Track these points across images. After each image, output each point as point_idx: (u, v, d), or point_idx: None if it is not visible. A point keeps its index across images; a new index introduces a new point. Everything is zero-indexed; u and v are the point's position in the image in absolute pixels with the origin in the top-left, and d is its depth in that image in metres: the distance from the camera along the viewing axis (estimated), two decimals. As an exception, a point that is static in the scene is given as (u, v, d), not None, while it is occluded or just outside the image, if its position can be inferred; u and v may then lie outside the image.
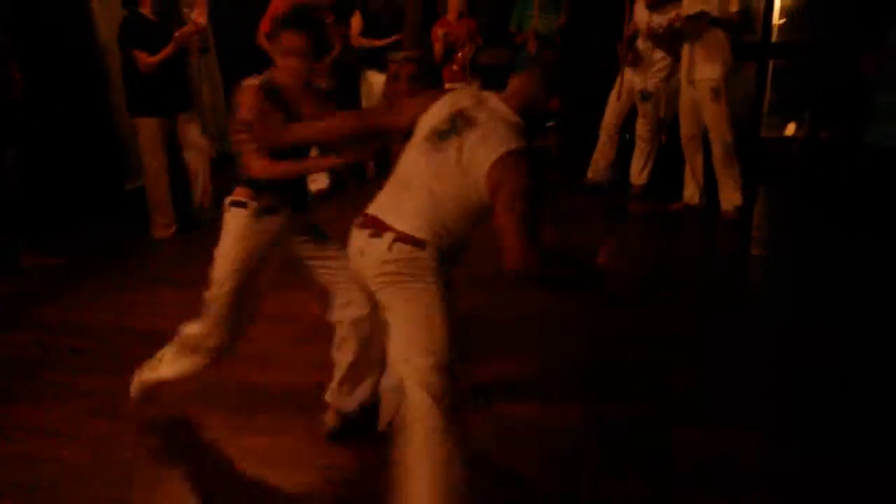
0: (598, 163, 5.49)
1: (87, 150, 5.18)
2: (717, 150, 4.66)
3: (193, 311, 2.34)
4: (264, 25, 5.12)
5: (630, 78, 5.15)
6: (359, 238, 1.88)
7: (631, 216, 5.12)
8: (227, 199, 2.25)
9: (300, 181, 2.36)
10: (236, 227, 2.23)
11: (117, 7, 5.18)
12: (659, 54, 4.98)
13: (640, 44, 5.04)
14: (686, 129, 4.79)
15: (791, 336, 3.16)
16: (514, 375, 2.86)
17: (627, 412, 2.56)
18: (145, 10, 4.40)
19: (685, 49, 4.59)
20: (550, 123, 5.54)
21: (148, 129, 4.50)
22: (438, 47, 5.62)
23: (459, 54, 5.58)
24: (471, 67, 5.59)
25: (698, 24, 4.37)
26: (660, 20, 4.86)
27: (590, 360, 2.98)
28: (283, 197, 2.26)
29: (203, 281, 2.29)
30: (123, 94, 5.12)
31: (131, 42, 4.36)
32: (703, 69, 4.51)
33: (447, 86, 5.74)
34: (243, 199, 2.23)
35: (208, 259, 2.29)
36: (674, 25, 4.51)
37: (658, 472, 2.24)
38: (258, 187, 2.22)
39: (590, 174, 5.54)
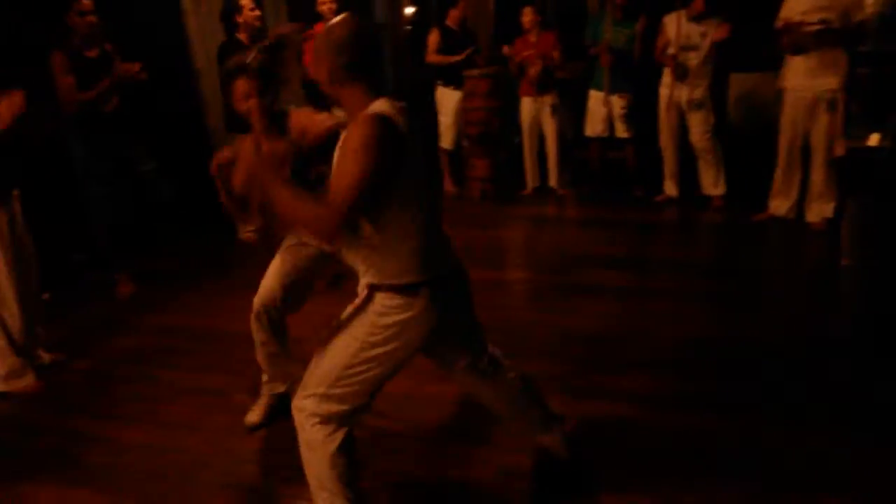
0: (668, 177, 5.53)
1: (188, 168, 5.53)
2: (820, 161, 4.59)
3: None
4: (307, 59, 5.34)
5: (676, 92, 5.18)
6: None
7: (711, 228, 5.11)
8: None
9: None
10: None
11: (214, 33, 5.56)
12: (699, 64, 5.03)
13: (680, 56, 5.07)
14: (787, 139, 4.73)
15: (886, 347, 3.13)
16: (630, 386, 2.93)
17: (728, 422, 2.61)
18: (242, 36, 4.70)
19: (796, 60, 4.48)
20: (626, 136, 5.60)
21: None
22: (512, 64, 5.76)
23: (530, 70, 5.69)
24: (543, 82, 5.68)
25: (825, 38, 4.27)
26: (690, 29, 4.95)
27: (686, 363, 3.03)
28: None
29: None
30: (219, 115, 5.55)
31: None
32: (820, 81, 4.44)
33: (522, 99, 5.86)
34: None
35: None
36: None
37: (768, 473, 2.29)
38: None
39: (665, 192, 5.56)
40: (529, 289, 4.01)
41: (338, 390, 1.87)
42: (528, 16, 5.70)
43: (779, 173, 4.85)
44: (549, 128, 5.87)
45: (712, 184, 5.30)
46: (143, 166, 4.23)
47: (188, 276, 4.49)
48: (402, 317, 1.84)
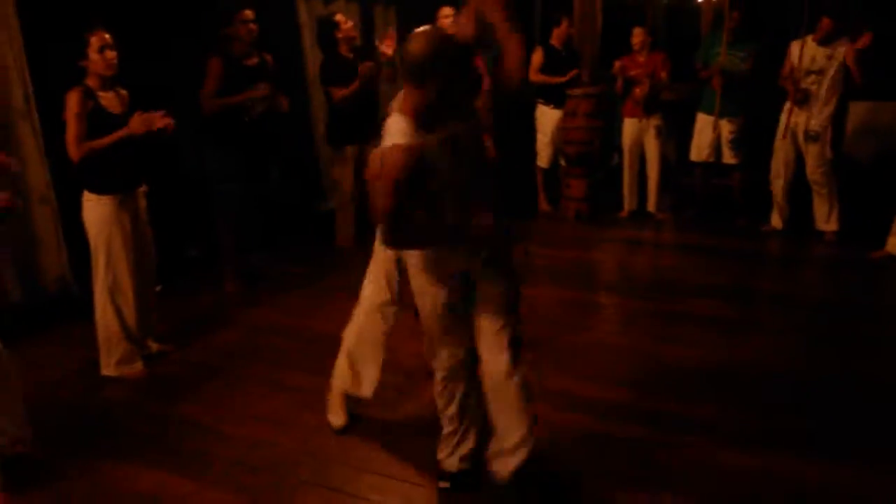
0: (776, 209, 5.27)
1: (292, 177, 5.81)
2: None
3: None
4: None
5: (794, 119, 4.93)
6: None
7: (821, 263, 4.83)
8: None
9: None
10: None
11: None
12: (822, 92, 4.76)
13: (807, 83, 4.82)
14: None
15: None
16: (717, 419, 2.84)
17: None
18: (342, 50, 4.87)
19: None
20: (734, 161, 5.40)
21: (341, 157, 5.01)
22: (619, 83, 5.68)
23: (637, 90, 5.60)
24: (649, 103, 5.58)
25: None
26: (817, 53, 4.69)
27: (777, 401, 2.88)
28: None
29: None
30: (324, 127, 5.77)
31: (327, 80, 4.87)
32: None
33: (626, 120, 5.77)
34: None
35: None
36: None
37: None
38: None
39: (772, 223, 5.32)
40: (622, 313, 3.93)
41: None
42: (638, 36, 5.61)
43: (900, 209, 4.56)
44: (652, 150, 5.75)
45: (825, 219, 5.03)
46: (272, 172, 4.47)
47: (296, 276, 4.68)
48: None
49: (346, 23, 4.85)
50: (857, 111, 5.79)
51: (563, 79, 5.76)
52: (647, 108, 5.62)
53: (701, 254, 4.95)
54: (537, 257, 4.93)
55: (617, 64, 5.64)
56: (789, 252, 5.01)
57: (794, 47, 4.89)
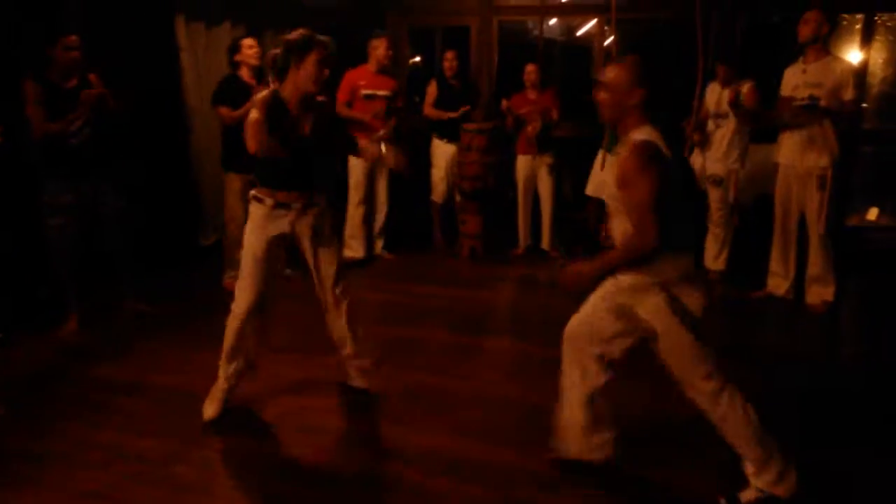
0: None
1: (169, 206, 5.38)
2: (815, 241, 4.42)
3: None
4: (342, 95, 5.27)
5: (699, 162, 5.00)
6: None
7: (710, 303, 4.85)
8: None
9: None
10: None
11: (209, 70, 5.43)
12: (727, 136, 4.84)
13: (710, 125, 4.90)
14: (782, 217, 4.56)
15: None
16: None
17: None
18: (243, 74, 4.60)
19: (787, 134, 4.42)
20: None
21: (232, 185, 4.69)
22: (509, 120, 5.62)
23: (528, 128, 5.55)
24: (541, 140, 5.54)
25: (811, 116, 4.20)
26: (723, 96, 4.75)
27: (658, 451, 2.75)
28: None
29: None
30: (210, 152, 5.40)
31: (217, 99, 4.59)
32: (810, 157, 4.32)
33: (518, 157, 5.71)
34: None
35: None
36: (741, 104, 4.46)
37: None
38: None
39: None
40: (510, 359, 3.74)
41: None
42: (530, 73, 5.59)
43: (775, 250, 4.68)
44: (545, 187, 5.71)
45: (714, 257, 5.09)
46: (109, 203, 4.03)
47: (148, 323, 4.22)
48: None
49: (249, 47, 4.61)
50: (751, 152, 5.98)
51: (454, 114, 5.65)
52: (540, 145, 5.59)
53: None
54: (429, 298, 4.73)
55: (505, 102, 5.60)
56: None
57: (709, 91, 4.90)
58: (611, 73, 2.31)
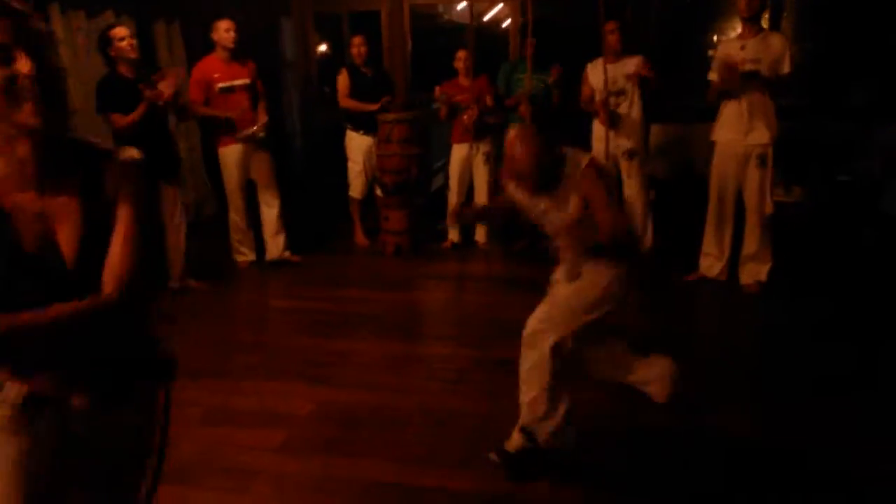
0: None
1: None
2: (753, 220, 4.37)
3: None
4: (196, 93, 4.74)
5: (614, 142, 4.89)
6: None
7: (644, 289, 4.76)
8: None
9: None
10: None
11: (91, 67, 4.85)
12: (631, 111, 4.76)
13: (612, 105, 4.80)
14: (717, 195, 4.49)
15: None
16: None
17: None
18: (123, 69, 4.09)
19: (727, 111, 4.33)
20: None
21: (166, 195, 4.32)
22: (443, 108, 5.34)
23: (465, 116, 5.30)
24: (478, 128, 5.29)
25: (753, 81, 4.11)
26: (615, 73, 4.65)
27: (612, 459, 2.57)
28: None
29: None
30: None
31: (103, 106, 4.07)
32: (752, 134, 4.25)
33: (454, 146, 5.45)
34: None
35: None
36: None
37: None
38: None
39: None
40: (451, 367, 3.46)
41: None
42: (461, 60, 5.34)
43: (709, 231, 4.60)
44: (481, 176, 5.47)
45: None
46: None
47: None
48: None
49: (121, 39, 4.06)
50: (658, 132, 5.94)
51: (373, 106, 5.31)
52: (477, 133, 5.34)
53: (530, 289, 4.67)
54: (353, 302, 4.39)
55: (438, 89, 5.31)
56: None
57: (591, 70, 4.80)
58: (522, 164, 2.46)
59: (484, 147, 5.42)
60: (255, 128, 4.76)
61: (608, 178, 2.57)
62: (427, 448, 2.70)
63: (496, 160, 5.51)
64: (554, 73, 5.12)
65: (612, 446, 2.71)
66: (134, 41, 4.13)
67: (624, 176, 4.89)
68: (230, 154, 4.85)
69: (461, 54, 5.34)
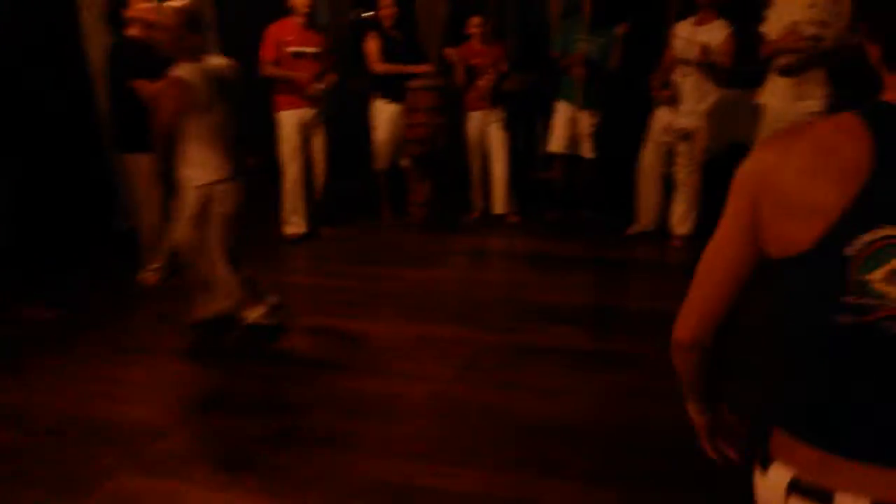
0: (643, 212, 4.88)
1: (76, 189, 4.80)
2: None
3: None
4: (268, 53, 4.67)
5: (662, 114, 4.55)
6: None
7: (672, 267, 4.48)
8: None
9: None
10: None
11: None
12: (698, 84, 4.37)
13: (678, 76, 4.43)
14: None
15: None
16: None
17: None
18: (134, 32, 3.93)
19: (775, 76, 3.96)
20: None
21: (141, 167, 4.05)
22: (459, 73, 5.10)
23: (480, 81, 5.05)
24: (494, 95, 5.05)
25: (815, 61, 3.76)
26: (703, 37, 4.25)
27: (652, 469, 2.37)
28: None
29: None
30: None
31: (124, 71, 3.92)
32: (803, 102, 3.91)
33: (469, 114, 5.21)
34: None
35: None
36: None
37: None
38: None
39: (634, 227, 4.92)
40: (465, 351, 3.27)
41: None
42: (475, 25, 5.07)
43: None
44: (498, 144, 5.23)
45: (679, 220, 4.68)
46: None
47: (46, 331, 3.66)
48: None
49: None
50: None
51: (411, 68, 5.08)
52: (493, 100, 5.10)
53: (558, 265, 4.46)
54: (376, 280, 4.25)
55: (452, 52, 5.06)
56: (654, 259, 4.60)
57: (679, 32, 4.39)
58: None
59: (499, 114, 5.17)
60: (322, 84, 4.71)
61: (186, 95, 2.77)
62: (429, 443, 2.55)
63: (513, 128, 5.28)
64: (620, 30, 4.80)
65: (604, 445, 2.51)
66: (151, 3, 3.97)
67: (677, 156, 4.57)
68: (290, 118, 4.77)
69: (475, 20, 5.08)
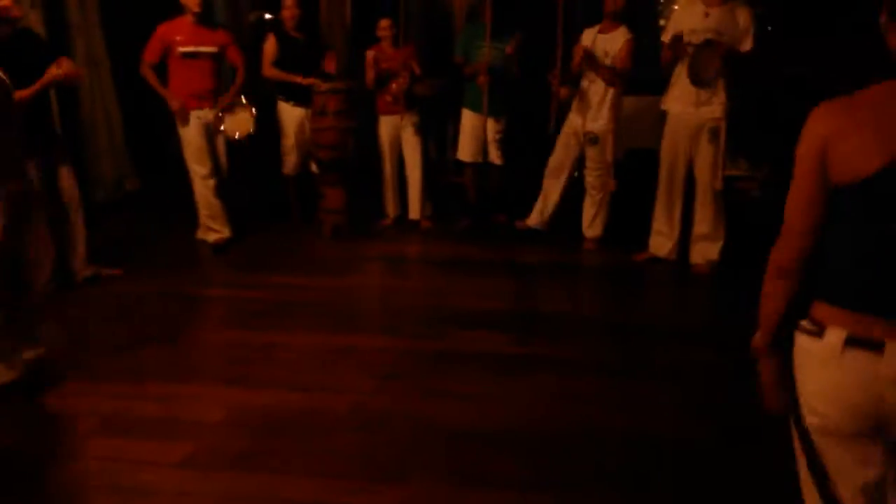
0: (540, 209, 4.94)
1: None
2: (704, 198, 4.19)
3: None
4: (149, 54, 4.40)
5: (573, 118, 4.63)
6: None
7: (591, 271, 4.55)
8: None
9: None
10: None
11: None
12: (602, 90, 4.48)
13: (585, 82, 4.53)
14: (667, 169, 4.28)
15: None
16: None
17: None
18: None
19: (678, 79, 4.09)
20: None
21: None
22: (370, 75, 4.99)
23: (393, 84, 4.97)
24: (407, 98, 4.99)
25: (710, 54, 3.87)
26: (606, 46, 4.39)
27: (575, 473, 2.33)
28: None
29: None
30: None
31: None
32: (705, 107, 4.05)
33: (381, 118, 5.12)
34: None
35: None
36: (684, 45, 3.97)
37: None
38: None
39: (529, 221, 4.98)
40: (384, 360, 3.16)
41: None
42: (384, 28, 4.98)
43: (659, 208, 4.41)
44: (412, 149, 5.16)
45: (589, 222, 4.77)
46: None
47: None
48: None
49: None
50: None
51: (299, 79, 4.90)
52: (407, 103, 5.02)
53: (473, 269, 4.42)
54: (287, 289, 4.05)
55: (370, 54, 4.94)
56: (559, 261, 4.66)
57: (585, 38, 4.48)
58: None
59: (413, 118, 5.11)
60: (224, 100, 4.55)
61: None
62: (353, 460, 2.41)
63: (426, 132, 5.23)
64: (512, 43, 4.82)
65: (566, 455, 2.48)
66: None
67: (587, 160, 4.65)
68: (191, 119, 4.50)
69: (383, 23, 5.00)
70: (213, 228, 4.69)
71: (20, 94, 3.43)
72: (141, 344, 3.29)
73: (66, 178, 3.84)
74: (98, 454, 2.43)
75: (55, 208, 3.82)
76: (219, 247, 4.67)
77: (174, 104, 4.43)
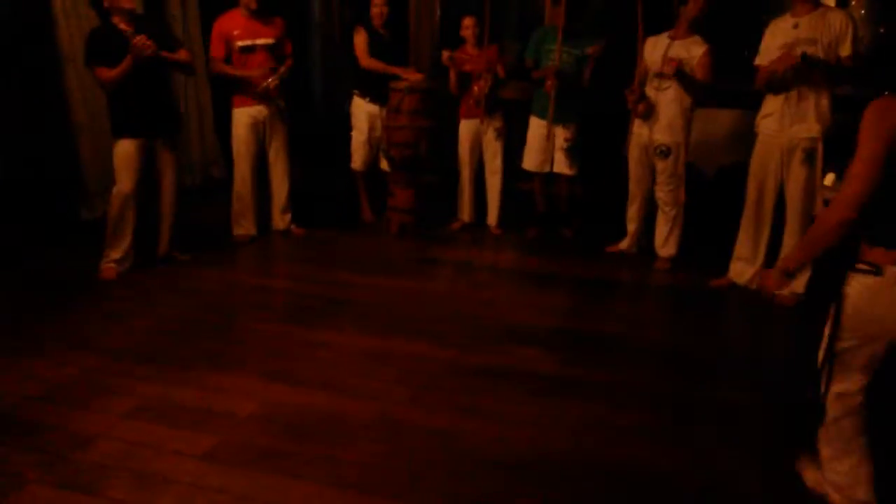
0: (629, 230, 4.70)
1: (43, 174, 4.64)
2: (794, 225, 3.84)
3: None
4: (215, 51, 4.49)
5: (639, 131, 4.36)
6: None
7: (655, 291, 4.28)
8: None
9: None
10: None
11: (89, 14, 4.57)
12: (674, 100, 4.18)
13: (652, 91, 4.25)
14: (756, 193, 3.97)
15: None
16: None
17: None
18: (117, 20, 3.79)
19: (773, 97, 3.79)
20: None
21: (121, 152, 3.93)
22: (452, 77, 4.90)
23: (475, 87, 4.86)
24: (489, 101, 4.85)
25: (807, 72, 3.58)
26: (679, 53, 4.08)
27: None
28: None
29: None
30: (85, 110, 4.78)
31: (90, 59, 3.81)
32: (800, 125, 3.73)
33: (462, 122, 5.03)
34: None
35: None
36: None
37: None
38: None
39: (621, 245, 4.75)
40: (423, 370, 3.07)
41: None
42: (468, 27, 4.87)
43: (743, 231, 4.09)
44: (493, 156, 5.05)
45: (662, 241, 4.49)
46: None
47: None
48: None
49: None
50: (702, 118, 5.37)
51: (398, 70, 4.89)
52: (489, 107, 4.89)
53: (536, 282, 4.26)
54: (341, 287, 4.04)
55: (446, 54, 4.84)
56: (633, 281, 4.40)
57: (650, 46, 4.25)
58: None
59: (495, 122, 4.97)
60: (269, 79, 4.46)
61: None
62: (370, 472, 2.34)
63: (508, 137, 5.08)
64: (596, 47, 4.60)
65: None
66: None
67: (657, 174, 4.38)
68: (243, 116, 4.57)
69: (467, 21, 4.87)
70: (241, 223, 4.78)
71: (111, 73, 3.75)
72: (194, 330, 3.36)
73: (171, 162, 4.12)
74: (125, 437, 2.47)
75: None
76: (242, 241, 4.74)
77: (255, 74, 4.46)
